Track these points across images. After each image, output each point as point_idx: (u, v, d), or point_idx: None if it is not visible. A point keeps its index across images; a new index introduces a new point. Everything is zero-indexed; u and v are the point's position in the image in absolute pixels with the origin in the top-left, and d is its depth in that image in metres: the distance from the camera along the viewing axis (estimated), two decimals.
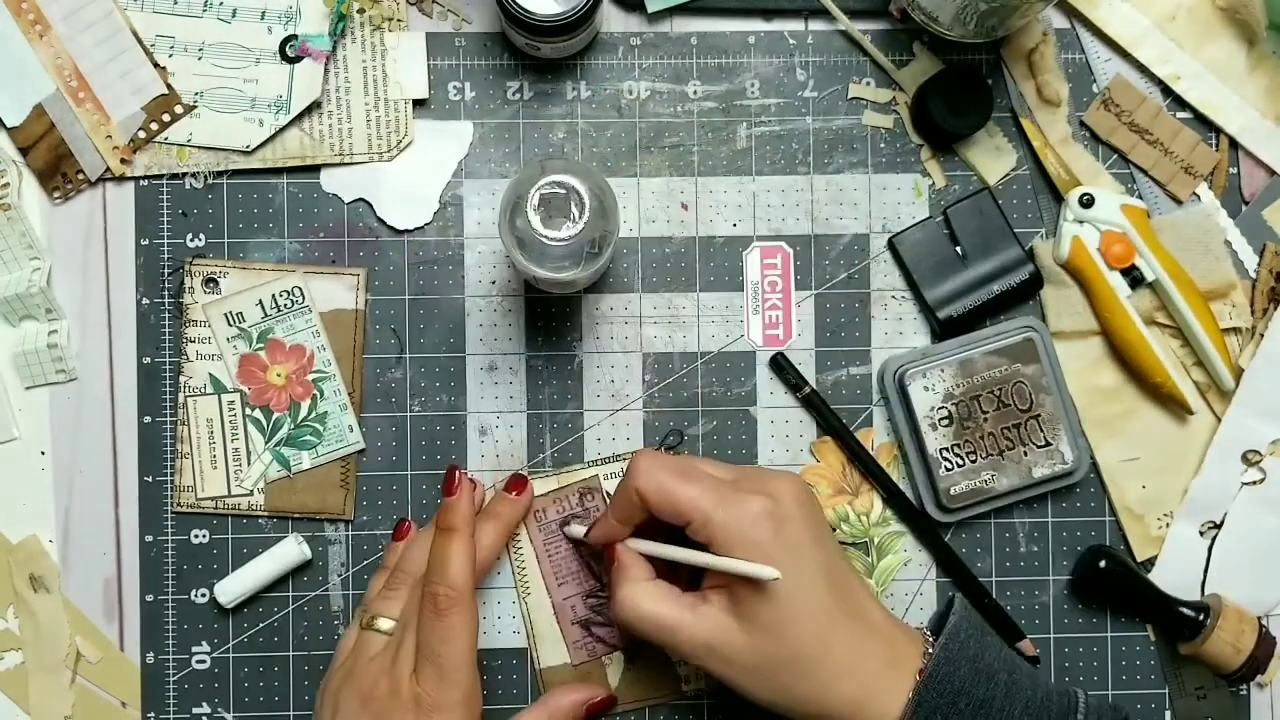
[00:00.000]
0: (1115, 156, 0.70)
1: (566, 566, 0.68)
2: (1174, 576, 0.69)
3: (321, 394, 0.68)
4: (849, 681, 0.57)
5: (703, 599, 0.59)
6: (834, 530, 0.68)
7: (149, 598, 0.68)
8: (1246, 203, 0.70)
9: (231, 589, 0.67)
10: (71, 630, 0.68)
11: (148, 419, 0.68)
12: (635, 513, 0.59)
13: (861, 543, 0.68)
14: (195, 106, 0.67)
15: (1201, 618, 0.67)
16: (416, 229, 0.69)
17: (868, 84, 0.69)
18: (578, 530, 0.65)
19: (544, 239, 0.56)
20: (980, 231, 0.69)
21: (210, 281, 0.68)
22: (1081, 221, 0.68)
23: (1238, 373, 0.68)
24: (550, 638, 0.68)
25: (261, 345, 0.68)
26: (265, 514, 0.68)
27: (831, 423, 0.68)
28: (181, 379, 0.68)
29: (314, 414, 0.68)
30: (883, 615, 0.59)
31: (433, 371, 0.69)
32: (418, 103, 0.68)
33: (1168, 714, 0.70)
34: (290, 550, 0.67)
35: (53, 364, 0.67)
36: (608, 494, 0.68)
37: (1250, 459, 0.69)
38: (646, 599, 0.59)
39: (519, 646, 0.68)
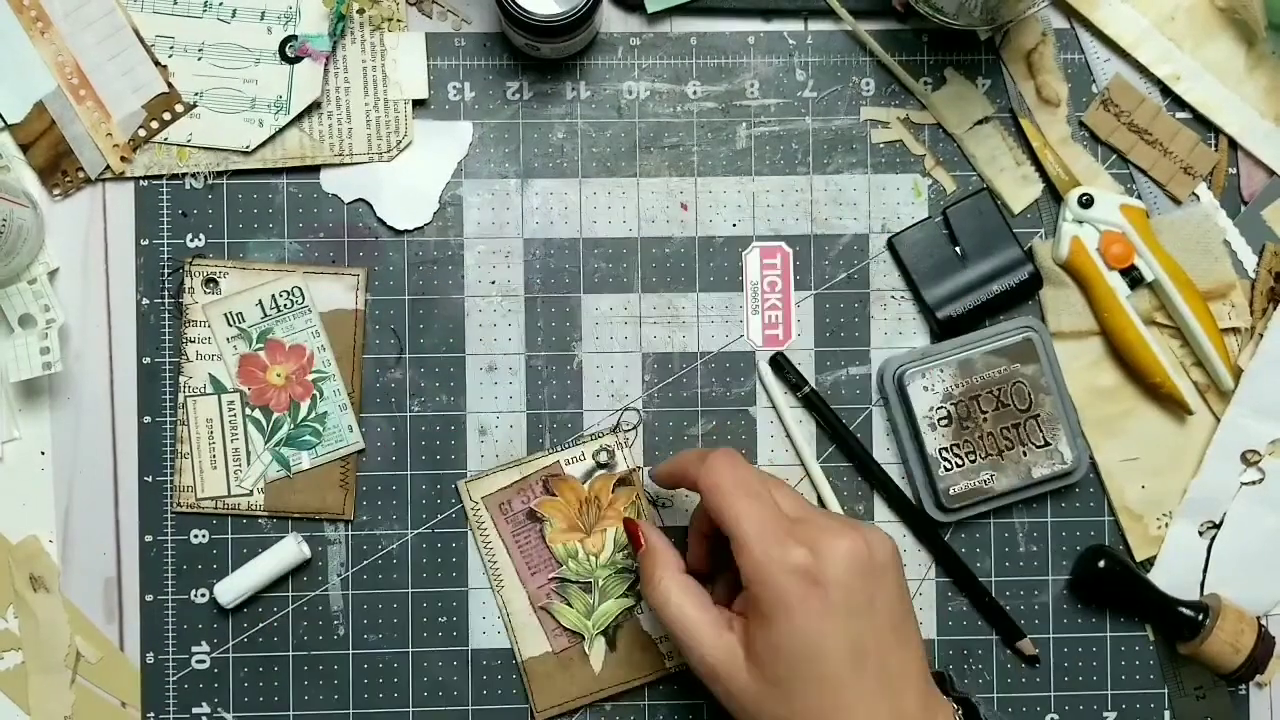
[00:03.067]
0: (1114, 157, 0.70)
1: (538, 555, 0.68)
2: (1173, 576, 0.69)
3: (321, 394, 0.68)
4: None
5: (728, 621, 0.57)
6: (561, 564, 0.68)
7: (149, 598, 0.68)
8: (1246, 203, 0.70)
9: (231, 589, 0.67)
10: (71, 630, 0.68)
11: (148, 419, 0.68)
12: (684, 481, 0.60)
13: (586, 583, 0.68)
14: (195, 106, 0.67)
15: (1201, 618, 0.67)
16: (416, 229, 0.69)
17: (867, 83, 0.69)
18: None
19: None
20: (979, 231, 0.69)
21: (210, 281, 0.68)
22: (1081, 221, 0.68)
23: (1237, 373, 0.68)
24: (529, 628, 0.68)
25: (261, 345, 0.68)
26: (265, 514, 0.68)
27: (831, 422, 0.68)
28: (181, 379, 0.68)
29: (314, 414, 0.68)
30: (920, 706, 0.55)
31: (432, 371, 0.69)
32: (417, 103, 0.69)
33: (1167, 714, 0.70)
34: (290, 550, 0.67)
35: (40, 357, 0.66)
36: (571, 477, 0.68)
37: (1249, 459, 0.69)
38: (683, 593, 0.58)
39: (504, 646, 0.68)
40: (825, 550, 0.54)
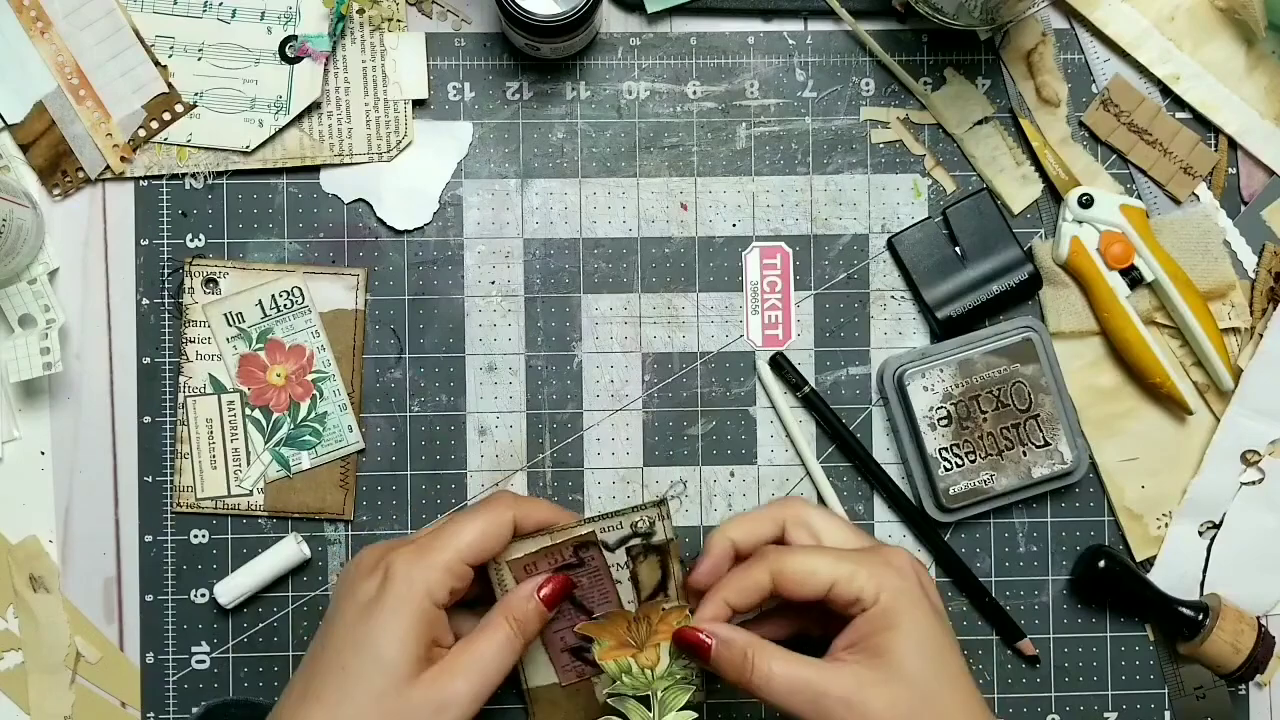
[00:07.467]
0: (1114, 157, 0.70)
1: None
2: (1173, 576, 0.69)
3: (321, 394, 0.68)
4: None
5: (836, 659, 0.58)
6: (615, 681, 0.62)
7: (149, 598, 0.68)
8: (1245, 203, 0.70)
9: (231, 589, 0.67)
10: (71, 630, 0.68)
11: (148, 419, 0.68)
12: (755, 597, 0.60)
13: (643, 696, 0.62)
14: (195, 106, 0.67)
15: (1201, 617, 0.67)
16: (416, 229, 0.69)
17: (867, 83, 0.69)
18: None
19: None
20: (979, 231, 0.69)
21: (210, 282, 0.68)
22: (1080, 222, 0.68)
23: (1236, 373, 0.68)
24: (539, 661, 0.66)
25: (261, 345, 0.68)
26: (265, 514, 0.68)
27: (831, 422, 0.68)
28: (181, 379, 0.68)
29: (314, 414, 0.68)
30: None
31: (432, 371, 0.69)
32: (417, 103, 0.69)
33: (1167, 714, 0.70)
34: (290, 550, 0.67)
35: (40, 357, 0.66)
36: (605, 544, 0.62)
37: (1249, 459, 0.69)
38: (782, 661, 0.57)
39: None
40: (898, 562, 0.59)
